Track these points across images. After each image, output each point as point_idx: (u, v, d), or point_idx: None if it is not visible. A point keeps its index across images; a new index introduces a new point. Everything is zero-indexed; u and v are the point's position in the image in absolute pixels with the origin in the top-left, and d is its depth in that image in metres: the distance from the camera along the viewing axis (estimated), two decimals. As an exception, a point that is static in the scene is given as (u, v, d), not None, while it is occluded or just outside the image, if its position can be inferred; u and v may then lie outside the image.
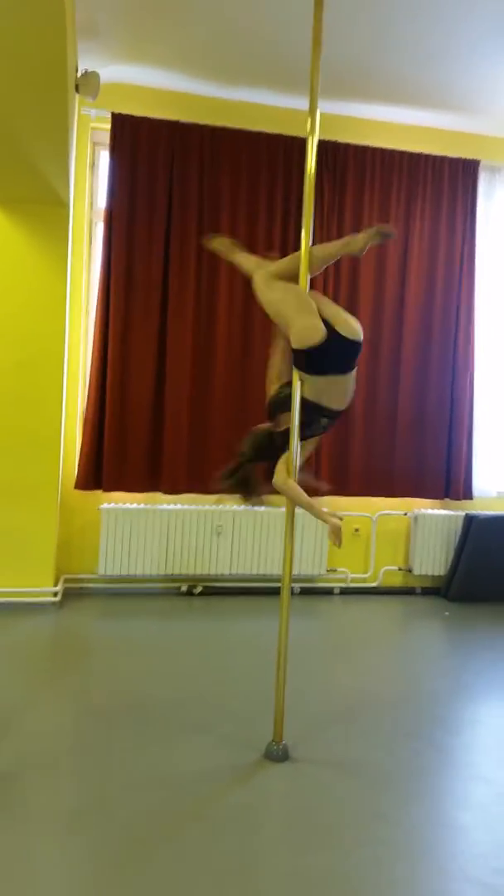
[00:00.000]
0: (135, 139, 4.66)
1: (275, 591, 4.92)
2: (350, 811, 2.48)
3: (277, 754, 2.76)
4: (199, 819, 2.38)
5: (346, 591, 5.18)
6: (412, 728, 3.16)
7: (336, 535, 2.75)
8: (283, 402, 2.86)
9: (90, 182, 4.85)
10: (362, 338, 2.75)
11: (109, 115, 4.63)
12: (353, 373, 2.80)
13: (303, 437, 2.85)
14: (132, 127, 4.65)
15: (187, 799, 2.49)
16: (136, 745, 2.83)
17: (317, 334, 2.67)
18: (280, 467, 2.83)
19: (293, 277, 2.85)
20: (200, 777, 2.63)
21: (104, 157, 4.83)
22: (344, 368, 2.77)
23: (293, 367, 2.79)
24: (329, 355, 2.71)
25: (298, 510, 2.85)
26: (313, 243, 2.87)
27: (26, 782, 2.54)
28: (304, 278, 2.82)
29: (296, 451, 2.82)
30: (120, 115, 4.64)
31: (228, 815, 2.41)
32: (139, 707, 3.17)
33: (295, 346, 2.72)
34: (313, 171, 2.82)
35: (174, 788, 2.55)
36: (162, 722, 3.04)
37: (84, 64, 4.32)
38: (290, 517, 2.85)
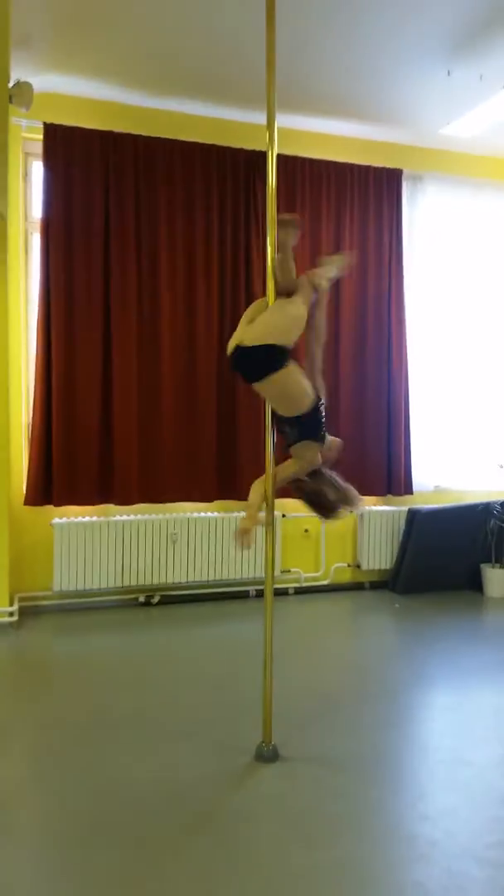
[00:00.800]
0: (68, 149, 4.61)
1: (232, 596, 5.03)
2: (346, 804, 2.55)
3: (268, 755, 2.81)
4: (202, 825, 2.40)
5: (300, 591, 5.28)
6: (387, 718, 3.27)
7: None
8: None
9: (23, 193, 4.76)
10: (230, 349, 2.84)
11: (41, 126, 4.57)
12: (275, 378, 2.79)
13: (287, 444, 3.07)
14: (65, 137, 4.60)
15: (186, 807, 2.51)
16: (121, 760, 2.81)
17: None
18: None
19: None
20: (195, 784, 2.65)
21: (37, 168, 4.76)
22: (245, 378, 2.88)
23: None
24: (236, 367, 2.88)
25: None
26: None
27: (14, 804, 2.50)
28: (271, 293, 2.93)
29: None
30: (52, 125, 4.58)
31: (231, 819, 2.44)
32: (116, 721, 3.15)
33: None
34: (274, 184, 2.91)
35: (171, 798, 2.55)
36: (143, 734, 3.03)
37: (16, 74, 4.24)
38: (270, 520, 2.92)
